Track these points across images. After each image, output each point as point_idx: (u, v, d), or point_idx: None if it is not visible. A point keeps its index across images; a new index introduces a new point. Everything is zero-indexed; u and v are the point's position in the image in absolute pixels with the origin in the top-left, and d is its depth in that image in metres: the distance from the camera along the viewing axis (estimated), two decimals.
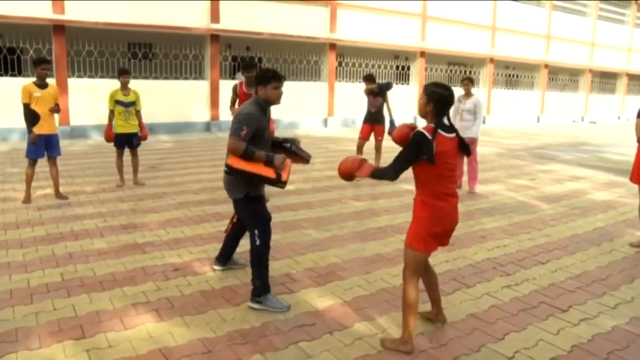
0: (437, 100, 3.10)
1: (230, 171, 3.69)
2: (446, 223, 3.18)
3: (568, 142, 16.40)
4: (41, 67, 6.43)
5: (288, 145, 4.10)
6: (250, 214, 3.90)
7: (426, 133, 3.03)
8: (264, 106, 3.86)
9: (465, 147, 3.22)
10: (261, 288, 3.81)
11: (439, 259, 4.88)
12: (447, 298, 4.02)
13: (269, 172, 3.67)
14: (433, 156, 2.99)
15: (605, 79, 29.83)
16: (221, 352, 3.14)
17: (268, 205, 6.71)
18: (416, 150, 3.04)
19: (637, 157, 5.68)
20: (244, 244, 5.06)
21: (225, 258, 4.52)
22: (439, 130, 3.05)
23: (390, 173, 3.09)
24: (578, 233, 5.93)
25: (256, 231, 3.84)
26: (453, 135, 3.15)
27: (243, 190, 3.82)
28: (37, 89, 6.43)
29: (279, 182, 3.70)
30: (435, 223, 3.14)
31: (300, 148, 4.15)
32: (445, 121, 3.15)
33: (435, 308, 3.56)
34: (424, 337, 3.39)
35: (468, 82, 7.88)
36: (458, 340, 3.36)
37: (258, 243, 3.82)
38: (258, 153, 3.66)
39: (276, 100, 3.84)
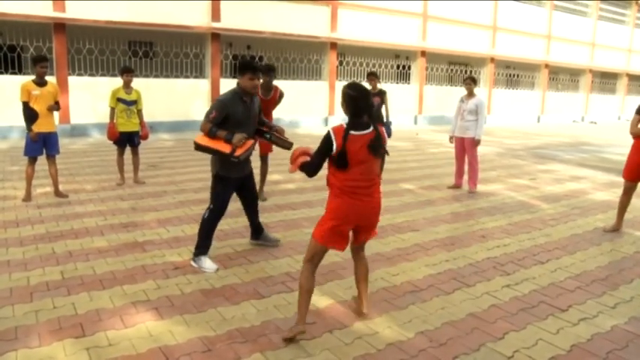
0: (348, 100, 3.25)
1: (195, 147, 4.27)
2: (351, 218, 3.29)
3: (568, 142, 16.40)
4: (40, 64, 6.42)
5: (267, 136, 4.60)
6: (214, 190, 4.54)
7: (332, 133, 3.19)
8: (241, 95, 4.31)
9: (375, 147, 3.21)
10: (198, 249, 4.48)
11: (439, 259, 4.89)
12: (447, 297, 4.02)
13: (225, 148, 4.18)
14: (342, 154, 3.14)
15: (606, 80, 29.84)
16: (221, 351, 3.14)
17: (267, 203, 6.76)
18: (324, 147, 3.22)
19: (630, 154, 5.83)
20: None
21: (254, 232, 5.04)
22: (350, 131, 3.17)
23: (308, 169, 3.34)
24: (577, 233, 5.94)
25: (211, 206, 4.52)
26: (367, 131, 3.21)
27: (216, 169, 4.46)
28: (35, 87, 6.42)
29: (232, 156, 4.18)
30: (339, 217, 3.25)
31: (278, 137, 4.61)
32: (365, 118, 3.26)
33: (359, 299, 3.66)
34: (424, 336, 3.40)
35: (470, 81, 7.84)
36: (457, 340, 3.36)
37: (206, 216, 4.49)
38: (220, 133, 4.20)
39: (251, 90, 4.31)
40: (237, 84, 4.35)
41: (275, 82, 6.92)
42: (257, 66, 4.39)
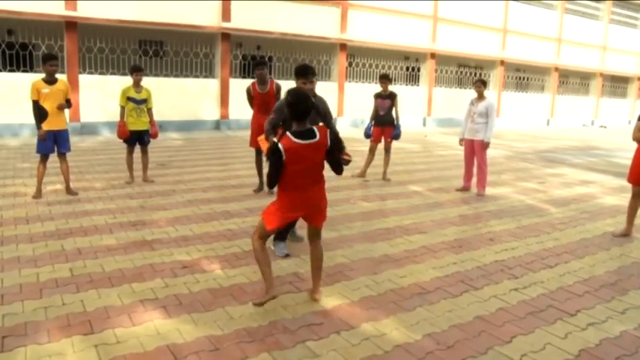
0: (288, 106, 3.56)
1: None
2: (300, 208, 3.69)
3: (578, 146, 16.30)
4: (49, 63, 6.46)
5: None
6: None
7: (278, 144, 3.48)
8: None
9: (331, 158, 3.72)
10: (277, 234, 4.73)
11: (447, 261, 4.87)
12: (455, 300, 4.01)
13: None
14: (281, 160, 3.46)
15: (616, 83, 29.62)
16: (228, 350, 3.15)
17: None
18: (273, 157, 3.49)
19: (634, 158, 5.93)
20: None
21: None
22: (287, 133, 3.49)
23: (269, 181, 3.59)
24: (587, 237, 5.90)
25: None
26: (308, 142, 3.49)
27: None
28: (45, 85, 6.46)
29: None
30: (290, 208, 3.66)
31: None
32: (308, 125, 3.57)
33: (313, 285, 3.96)
34: (431, 338, 3.39)
35: (480, 84, 7.79)
36: (465, 343, 3.35)
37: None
38: (270, 137, 4.47)
39: None
40: None
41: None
42: (308, 72, 4.62)
